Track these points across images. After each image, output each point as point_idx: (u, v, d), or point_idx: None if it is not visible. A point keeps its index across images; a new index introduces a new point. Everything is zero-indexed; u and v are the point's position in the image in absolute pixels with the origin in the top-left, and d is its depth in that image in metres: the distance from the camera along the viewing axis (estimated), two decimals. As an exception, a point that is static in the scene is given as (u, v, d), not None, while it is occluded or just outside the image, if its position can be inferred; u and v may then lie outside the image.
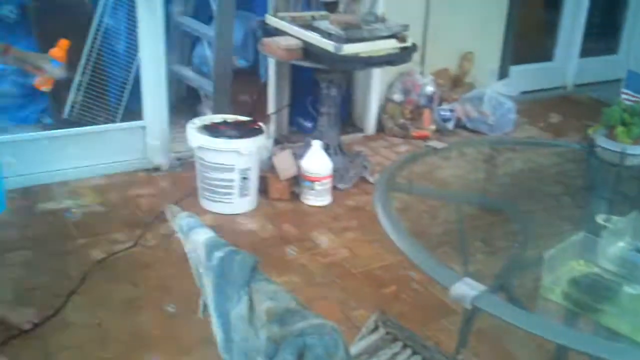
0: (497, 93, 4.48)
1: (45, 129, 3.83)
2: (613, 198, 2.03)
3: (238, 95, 4.45)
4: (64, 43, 2.25)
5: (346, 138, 4.10)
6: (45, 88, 2.27)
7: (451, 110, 4.43)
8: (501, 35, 4.96)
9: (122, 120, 4.01)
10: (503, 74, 4.87)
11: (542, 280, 1.58)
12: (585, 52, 5.68)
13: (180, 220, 1.62)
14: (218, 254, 1.42)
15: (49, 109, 4.08)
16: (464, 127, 4.53)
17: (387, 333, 1.73)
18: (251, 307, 1.31)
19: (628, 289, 1.57)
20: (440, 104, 4.44)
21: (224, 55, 4.33)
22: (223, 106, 4.17)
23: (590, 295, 1.56)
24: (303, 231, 3.16)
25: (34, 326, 2.34)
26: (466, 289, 1.38)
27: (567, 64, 5.64)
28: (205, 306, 1.47)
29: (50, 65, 2.22)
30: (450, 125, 4.42)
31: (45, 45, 3.90)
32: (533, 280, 1.72)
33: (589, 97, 5.46)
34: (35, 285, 2.59)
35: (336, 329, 1.19)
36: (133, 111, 4.03)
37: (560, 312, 1.57)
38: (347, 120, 4.42)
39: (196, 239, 1.50)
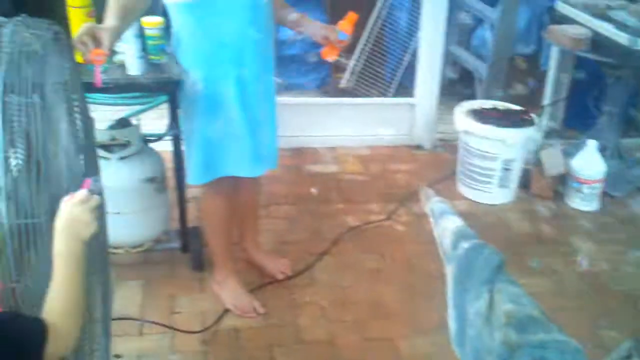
0: None
1: (322, 96, 4.07)
2: None
3: (513, 82, 4.29)
4: (353, 16, 2.27)
5: (629, 142, 3.73)
6: (330, 58, 2.33)
7: None
8: None
9: (394, 96, 4.12)
10: None
11: None
12: None
13: (432, 204, 1.62)
14: (465, 245, 1.40)
15: (329, 77, 4.32)
16: None
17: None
18: (491, 306, 1.27)
19: None
20: None
21: (504, 39, 4.20)
22: (495, 91, 4.06)
23: None
24: (562, 234, 2.96)
25: (287, 278, 2.52)
26: None
27: None
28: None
29: (336, 37, 2.25)
30: None
31: (335, 17, 4.15)
32: None
33: None
34: (293, 240, 2.78)
35: (580, 350, 1.11)
36: (405, 87, 4.11)
37: None
38: (633, 122, 4.01)
39: (446, 225, 1.50)
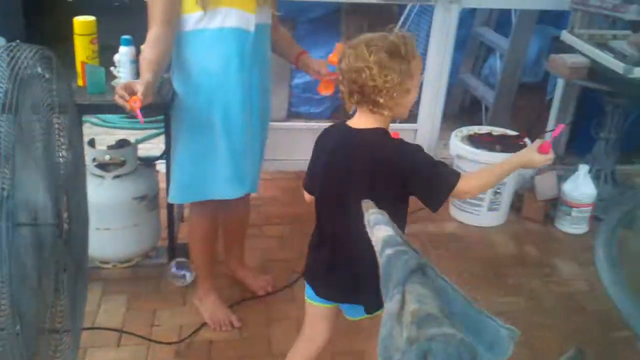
0: None
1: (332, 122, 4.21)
2: None
3: (521, 109, 4.35)
4: (340, 48, 2.06)
5: (629, 168, 3.76)
6: (325, 93, 2.27)
7: None
8: None
9: (399, 122, 4.23)
10: None
11: None
12: None
13: (369, 215, 1.71)
14: (388, 251, 1.49)
15: (342, 106, 4.46)
16: None
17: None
18: (402, 307, 1.36)
19: None
20: None
21: (512, 68, 4.29)
22: (502, 118, 4.14)
23: None
24: (545, 256, 3.01)
25: (267, 294, 2.63)
26: None
27: None
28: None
29: (327, 70, 2.21)
30: None
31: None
32: None
33: None
34: (280, 258, 2.88)
35: (466, 342, 1.19)
36: (410, 113, 4.21)
37: None
38: (635, 149, 4.02)
39: (377, 234, 1.58)
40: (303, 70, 2.41)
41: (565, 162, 3.80)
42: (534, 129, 3.84)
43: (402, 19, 4.30)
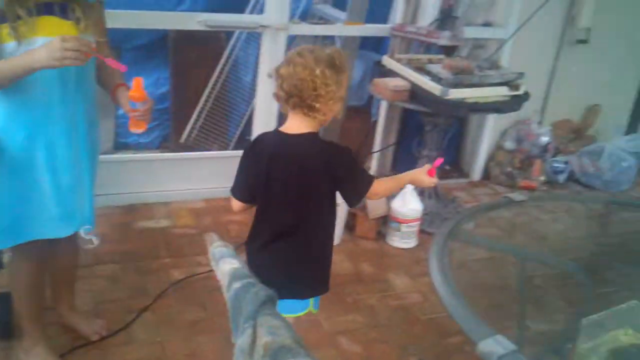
0: (619, 149, 4.21)
1: (162, 152, 4.11)
2: None
3: (348, 131, 4.51)
4: (138, 82, 2.06)
5: (449, 183, 4.03)
6: (136, 130, 2.13)
7: (565, 163, 4.22)
8: (635, 89, 4.68)
9: (235, 149, 4.22)
10: (631, 129, 4.57)
11: (577, 347, 1.48)
12: None
13: (214, 248, 1.68)
14: (236, 285, 1.46)
15: (171, 134, 4.37)
16: (577, 181, 4.29)
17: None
18: (254, 341, 1.33)
19: None
20: (554, 155, 4.25)
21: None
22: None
23: None
24: (380, 272, 3.13)
25: (101, 338, 2.48)
26: (495, 346, 1.38)
27: None
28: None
29: (129, 108, 2.09)
30: (562, 177, 4.21)
31: (178, 75, 4.22)
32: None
33: None
34: (113, 298, 2.74)
35: None
36: (247, 140, 4.22)
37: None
38: (454, 165, 4.34)
39: (223, 268, 1.55)
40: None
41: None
42: (363, 150, 3.99)
43: (230, 46, 4.31)
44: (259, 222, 1.95)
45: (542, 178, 4.16)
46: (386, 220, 3.44)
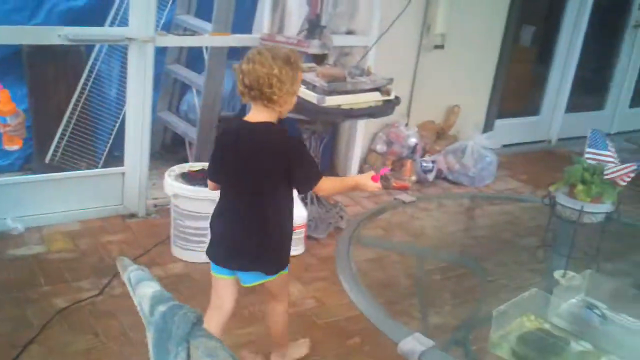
0: (480, 146, 4.51)
1: (27, 174, 3.86)
2: (571, 255, 2.03)
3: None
4: (4, 94, 1.95)
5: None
6: (11, 147, 2.04)
7: (433, 162, 4.45)
8: (488, 90, 5.04)
9: (105, 166, 4.06)
10: (488, 127, 4.91)
11: (490, 336, 1.57)
12: (572, 107, 5.72)
13: (129, 273, 1.61)
14: (161, 309, 1.42)
15: (34, 154, 4.12)
16: (445, 179, 4.55)
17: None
18: None
19: (575, 346, 1.57)
20: (422, 155, 4.47)
21: (211, 103, 4.39)
22: (206, 153, 4.21)
23: (538, 351, 1.55)
24: (273, 281, 3.14)
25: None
26: (415, 344, 1.41)
27: (553, 118, 5.69)
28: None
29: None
30: (430, 176, 4.44)
31: (36, 90, 3.98)
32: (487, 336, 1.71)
33: (572, 152, 5.49)
34: (-7, 333, 2.56)
35: None
36: (116, 156, 4.07)
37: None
38: (329, 170, 4.44)
39: (143, 292, 1.50)
40: None
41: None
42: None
43: (91, 60, 4.14)
44: (222, 199, 2.24)
45: (413, 178, 4.37)
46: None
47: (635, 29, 5.91)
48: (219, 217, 2.25)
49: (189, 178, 3.31)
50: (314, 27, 3.74)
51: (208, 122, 4.41)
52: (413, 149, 4.40)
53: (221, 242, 2.24)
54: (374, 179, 2.17)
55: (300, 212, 3.42)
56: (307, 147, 2.15)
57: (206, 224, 3.16)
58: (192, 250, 3.25)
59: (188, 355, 1.26)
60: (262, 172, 2.09)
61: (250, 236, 2.14)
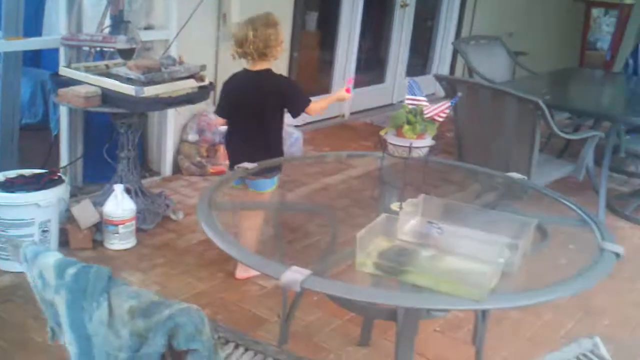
0: (286, 125, 4.77)
1: None
2: (404, 187, 2.29)
3: (29, 150, 4.28)
4: None
5: (144, 182, 4.12)
6: None
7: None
8: (285, 74, 5.32)
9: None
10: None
11: (355, 257, 1.77)
12: (359, 84, 6.25)
13: (24, 249, 1.59)
14: (71, 271, 1.44)
15: None
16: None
17: (219, 337, 1.84)
18: (111, 312, 1.35)
19: (424, 252, 1.89)
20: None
21: (10, 111, 4.17)
22: (11, 163, 4.00)
23: (396, 262, 1.82)
24: (114, 276, 3.12)
25: None
26: (294, 275, 1.57)
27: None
28: (53, 331, 1.50)
29: None
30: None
31: None
32: (343, 262, 1.97)
33: (363, 123, 6.10)
34: None
35: (200, 310, 1.31)
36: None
37: (372, 281, 1.80)
38: (143, 165, 4.43)
39: (45, 261, 1.49)
40: None
41: (88, 192, 3.94)
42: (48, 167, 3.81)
43: None
44: (231, 129, 3.11)
45: (227, 162, 4.51)
46: (100, 227, 3.43)
47: (403, 8, 6.61)
48: (232, 142, 3.12)
49: (8, 186, 3.20)
50: (118, 23, 3.74)
51: (9, 132, 4.18)
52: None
53: (235, 157, 2.98)
54: (347, 91, 3.06)
55: (128, 205, 3.43)
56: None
57: (31, 230, 3.09)
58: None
59: (110, 304, 1.33)
60: (263, 104, 2.95)
61: (256, 150, 2.81)
